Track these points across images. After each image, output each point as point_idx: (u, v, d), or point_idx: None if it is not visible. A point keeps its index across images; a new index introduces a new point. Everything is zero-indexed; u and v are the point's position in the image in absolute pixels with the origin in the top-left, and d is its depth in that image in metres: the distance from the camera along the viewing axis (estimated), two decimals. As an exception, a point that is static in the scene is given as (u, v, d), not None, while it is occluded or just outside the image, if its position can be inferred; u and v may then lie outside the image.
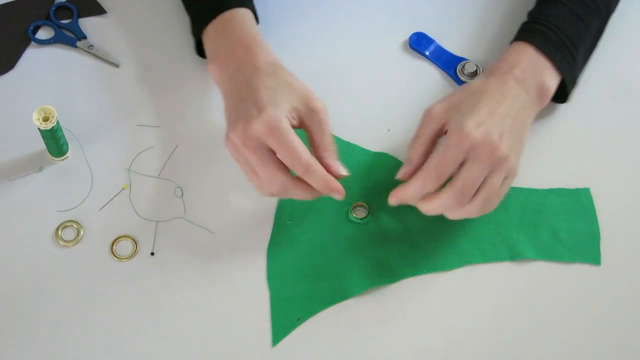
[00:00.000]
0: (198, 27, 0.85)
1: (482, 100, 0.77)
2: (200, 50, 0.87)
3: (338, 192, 0.75)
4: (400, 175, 0.78)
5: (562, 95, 0.85)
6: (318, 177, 0.75)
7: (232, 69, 0.80)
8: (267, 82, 0.77)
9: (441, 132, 0.78)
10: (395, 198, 0.77)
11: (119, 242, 0.81)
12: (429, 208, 0.75)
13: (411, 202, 0.76)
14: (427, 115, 0.78)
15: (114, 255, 0.80)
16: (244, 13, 0.84)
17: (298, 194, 0.76)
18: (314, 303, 0.79)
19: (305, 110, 0.76)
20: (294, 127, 0.75)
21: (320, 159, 0.76)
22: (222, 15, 0.83)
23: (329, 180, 0.75)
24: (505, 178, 0.77)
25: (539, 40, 0.82)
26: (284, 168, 0.75)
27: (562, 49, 0.82)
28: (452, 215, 0.76)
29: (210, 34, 0.84)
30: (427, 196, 0.75)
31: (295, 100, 0.76)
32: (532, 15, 0.87)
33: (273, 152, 0.74)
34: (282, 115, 0.74)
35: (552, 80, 0.82)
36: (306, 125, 0.77)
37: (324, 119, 0.77)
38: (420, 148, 0.77)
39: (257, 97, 0.75)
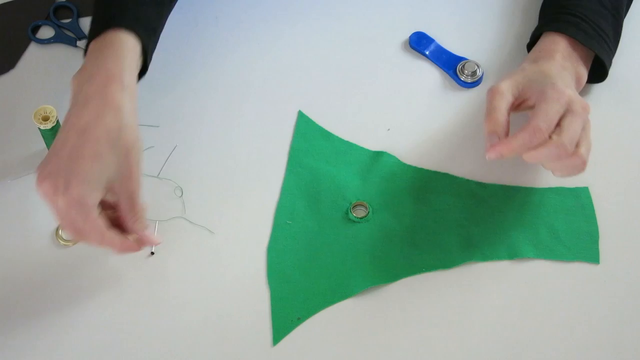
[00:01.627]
0: (89, 38, 0.80)
1: (550, 74, 0.81)
2: None
3: (497, 154, 0.77)
4: (490, 148, 0.77)
5: (600, 76, 0.89)
6: (115, 241, 0.74)
7: (81, 96, 0.74)
8: (91, 147, 0.71)
9: (512, 106, 0.80)
10: (495, 152, 0.77)
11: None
12: (536, 155, 0.77)
13: (513, 154, 0.77)
14: (496, 91, 0.80)
15: (114, 254, 0.80)
16: (126, 39, 0.77)
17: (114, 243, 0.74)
18: (314, 302, 0.79)
19: (119, 183, 0.73)
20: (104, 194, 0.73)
21: (132, 230, 0.75)
22: (105, 34, 0.77)
23: (129, 245, 0.75)
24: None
25: (573, 32, 0.84)
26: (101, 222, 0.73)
27: (596, 37, 0.85)
28: (556, 166, 0.79)
29: (92, 47, 0.78)
30: (529, 149, 0.77)
31: (114, 171, 0.73)
32: (560, 4, 0.88)
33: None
34: (88, 194, 0.71)
35: (583, 71, 0.85)
36: (117, 194, 0.74)
37: (134, 191, 0.74)
38: (502, 118, 0.78)
39: (73, 165, 0.71)
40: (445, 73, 0.93)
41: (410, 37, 0.94)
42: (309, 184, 0.85)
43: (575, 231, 0.83)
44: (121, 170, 0.73)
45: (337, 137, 0.88)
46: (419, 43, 0.94)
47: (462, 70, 0.92)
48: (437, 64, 0.93)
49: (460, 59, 0.93)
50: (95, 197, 0.72)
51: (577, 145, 0.78)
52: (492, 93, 0.80)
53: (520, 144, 0.77)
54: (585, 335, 0.78)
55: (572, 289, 0.80)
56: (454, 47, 0.94)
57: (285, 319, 0.78)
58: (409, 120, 0.88)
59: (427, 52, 0.93)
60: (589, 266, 0.82)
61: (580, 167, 0.79)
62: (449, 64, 0.93)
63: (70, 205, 0.71)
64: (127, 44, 0.77)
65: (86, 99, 0.74)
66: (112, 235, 0.74)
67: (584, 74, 0.85)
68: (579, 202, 0.84)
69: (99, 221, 0.73)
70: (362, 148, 0.87)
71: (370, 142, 0.88)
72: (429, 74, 0.93)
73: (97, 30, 0.78)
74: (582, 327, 0.78)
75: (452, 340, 0.78)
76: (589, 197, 0.85)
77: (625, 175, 0.87)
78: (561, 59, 0.83)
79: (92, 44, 0.78)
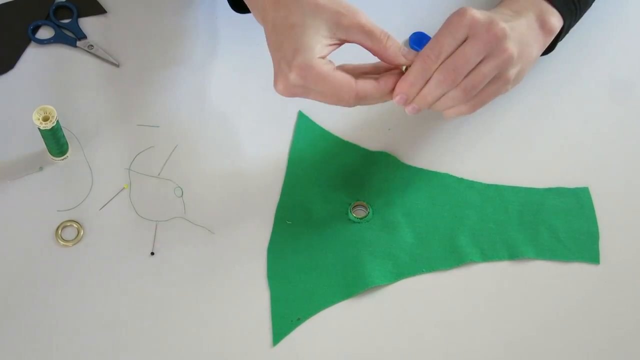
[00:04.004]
0: None
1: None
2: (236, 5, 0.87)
3: (401, 95, 0.74)
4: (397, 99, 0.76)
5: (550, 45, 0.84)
6: (372, 97, 0.74)
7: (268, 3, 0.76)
8: (293, 18, 0.73)
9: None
10: (398, 95, 0.75)
11: (118, 241, 0.81)
12: (424, 91, 0.74)
13: (414, 93, 0.75)
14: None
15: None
16: None
17: (374, 96, 0.74)
18: (314, 303, 0.79)
19: (341, 31, 0.73)
20: (336, 48, 0.74)
21: (388, 58, 0.74)
22: None
23: (384, 91, 0.74)
24: (502, 69, 0.75)
25: None
26: (344, 78, 0.73)
27: None
28: (443, 102, 0.75)
29: None
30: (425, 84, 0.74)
31: (325, 26, 0.73)
32: None
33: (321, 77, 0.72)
34: (312, 58, 0.72)
35: (554, 18, 0.81)
36: (351, 41, 0.75)
37: (364, 25, 0.74)
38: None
39: (283, 45, 0.73)
40: (445, 73, 0.92)
41: (410, 37, 0.94)
42: (309, 184, 0.85)
43: (575, 231, 0.83)
44: (335, 21, 0.73)
45: (337, 137, 0.88)
46: (419, 43, 0.94)
47: (462, 70, 0.91)
48: (437, 64, 0.93)
49: (460, 59, 0.93)
50: (319, 62, 0.72)
51: (466, 76, 0.73)
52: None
53: (411, 80, 0.74)
54: (585, 335, 0.78)
55: (572, 289, 0.80)
56: (454, 47, 0.94)
57: (285, 319, 0.78)
58: (410, 120, 0.88)
59: (427, 52, 0.93)
60: (589, 266, 0.82)
61: (461, 99, 0.74)
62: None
63: (302, 77, 0.72)
64: None
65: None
66: (364, 82, 0.73)
67: (553, 19, 0.81)
68: (579, 202, 0.84)
69: (338, 79, 0.72)
70: (362, 148, 0.87)
71: (371, 142, 0.88)
72: (429, 74, 0.92)
73: None
74: (582, 327, 0.78)
75: (452, 340, 0.78)
76: (589, 197, 0.85)
77: (625, 175, 0.87)
78: (516, 6, 0.80)
79: None
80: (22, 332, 0.77)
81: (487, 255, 0.82)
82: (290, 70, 0.72)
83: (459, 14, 0.74)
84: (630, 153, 0.88)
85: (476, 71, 0.74)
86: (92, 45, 0.92)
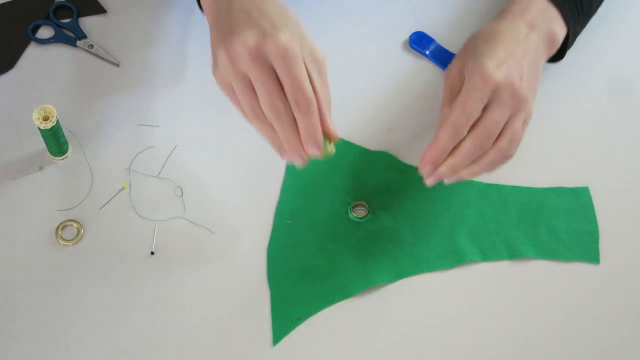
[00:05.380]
0: None
1: (497, 42, 0.76)
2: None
3: (316, 147, 0.70)
4: (424, 170, 0.75)
5: (558, 53, 0.84)
6: (313, 119, 0.69)
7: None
8: (274, 5, 0.71)
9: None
10: (427, 165, 0.73)
11: (118, 241, 0.81)
12: (454, 162, 0.73)
13: (442, 167, 0.74)
14: (446, 76, 0.77)
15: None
16: None
17: (284, 130, 0.69)
18: (314, 302, 0.79)
19: (306, 54, 0.70)
20: None
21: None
22: None
23: (318, 129, 0.70)
24: (524, 122, 0.76)
25: None
26: (284, 95, 0.69)
27: (570, 2, 0.81)
28: (476, 168, 0.74)
29: None
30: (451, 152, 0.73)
31: (299, 36, 0.70)
32: None
33: (276, 76, 0.69)
34: (297, 43, 0.68)
35: (560, 29, 0.81)
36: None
37: (325, 70, 0.72)
38: (447, 108, 0.75)
39: (268, 14, 0.69)
40: (445, 73, 0.93)
41: (410, 37, 0.94)
42: (309, 184, 0.85)
43: (575, 231, 0.83)
44: (305, 42, 0.70)
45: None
46: (419, 43, 0.94)
47: (462, 70, 0.92)
48: (437, 64, 0.93)
49: (460, 58, 0.93)
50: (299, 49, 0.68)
51: (499, 138, 0.73)
52: (444, 79, 0.77)
53: (443, 145, 0.73)
54: (585, 334, 0.78)
55: (572, 289, 0.80)
56: (454, 46, 0.94)
57: (285, 319, 0.78)
58: (410, 120, 0.88)
59: (427, 52, 0.93)
60: (589, 266, 0.82)
61: (499, 162, 0.74)
62: (449, 64, 0.93)
63: (281, 49, 0.67)
64: None
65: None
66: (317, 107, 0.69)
67: (559, 31, 0.81)
68: (579, 202, 0.84)
69: (306, 78, 0.68)
70: (361, 148, 0.87)
71: (371, 142, 0.88)
72: (429, 73, 0.93)
73: None
74: (582, 327, 0.78)
75: (452, 340, 0.78)
76: (589, 197, 0.85)
77: (625, 174, 0.87)
78: (530, 17, 0.79)
79: None
80: (22, 331, 0.77)
81: (487, 255, 0.82)
82: (275, 33, 0.68)
83: (482, 78, 0.73)
84: (629, 152, 0.88)
85: (509, 128, 0.74)
86: (92, 45, 0.92)
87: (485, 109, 0.73)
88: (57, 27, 0.93)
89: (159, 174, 0.85)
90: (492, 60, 0.74)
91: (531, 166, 0.86)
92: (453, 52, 0.93)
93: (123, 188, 0.84)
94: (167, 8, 0.95)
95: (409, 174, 0.86)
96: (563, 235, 0.83)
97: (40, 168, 0.85)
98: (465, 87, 0.73)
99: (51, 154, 0.85)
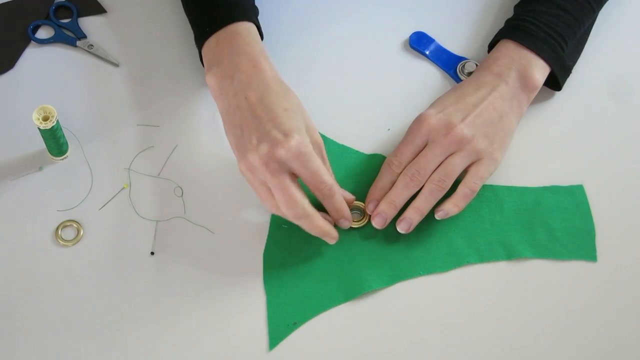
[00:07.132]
0: (202, 37, 0.84)
1: (449, 93, 0.84)
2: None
3: (348, 221, 0.80)
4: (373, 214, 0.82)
5: (554, 84, 0.88)
6: (338, 199, 0.77)
7: (238, 82, 0.78)
8: (282, 103, 0.76)
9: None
10: (369, 203, 0.82)
11: (118, 241, 0.81)
12: (390, 195, 0.80)
13: (382, 204, 0.81)
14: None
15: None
16: (249, 27, 0.83)
17: (312, 221, 0.76)
18: (311, 307, 0.79)
19: (313, 143, 0.77)
20: None
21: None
22: (227, 27, 0.82)
23: (344, 205, 0.79)
24: (478, 162, 0.80)
25: (520, 36, 0.85)
26: (303, 193, 0.76)
27: (548, 42, 0.84)
28: (418, 202, 0.79)
29: (212, 44, 0.82)
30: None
31: (304, 128, 0.76)
32: (516, 12, 0.89)
33: (293, 176, 0.75)
34: (307, 140, 0.74)
35: (538, 70, 0.84)
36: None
37: (324, 149, 0.80)
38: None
39: (277, 119, 0.74)
40: (445, 73, 0.93)
41: (410, 37, 0.94)
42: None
43: (571, 229, 0.83)
44: (308, 129, 0.77)
45: (332, 140, 0.87)
46: (419, 43, 0.94)
47: (462, 70, 0.92)
48: (437, 64, 0.93)
49: (460, 59, 0.93)
50: (311, 145, 0.75)
51: (434, 172, 0.79)
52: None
53: (380, 186, 0.81)
54: (583, 333, 0.78)
55: (569, 287, 0.80)
56: (454, 46, 0.94)
57: (281, 323, 0.78)
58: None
59: (427, 52, 0.93)
60: (586, 264, 0.82)
61: (436, 193, 0.79)
62: (449, 64, 0.93)
63: (294, 154, 0.73)
64: (251, 29, 0.83)
65: (244, 82, 0.78)
66: (338, 187, 0.78)
67: (537, 72, 0.84)
68: (574, 200, 0.85)
69: (323, 166, 0.76)
70: (356, 151, 0.87)
71: (370, 142, 0.88)
72: (429, 74, 0.93)
73: (216, 26, 0.82)
74: (581, 325, 0.78)
75: (450, 343, 0.78)
76: (584, 195, 0.85)
77: (620, 172, 0.87)
78: (497, 67, 0.83)
79: (213, 39, 0.82)
80: (22, 331, 0.77)
81: (484, 256, 0.82)
82: (286, 141, 0.73)
83: (418, 122, 0.81)
84: (623, 150, 0.88)
85: (445, 163, 0.79)
86: (92, 45, 0.92)
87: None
88: (57, 27, 0.93)
89: (159, 174, 0.85)
90: (434, 108, 0.82)
91: (525, 165, 0.86)
92: (453, 52, 0.93)
93: (123, 188, 0.84)
94: (167, 8, 0.95)
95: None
96: (559, 234, 0.83)
97: (40, 168, 0.85)
98: (405, 135, 0.82)
99: (51, 154, 0.85)
